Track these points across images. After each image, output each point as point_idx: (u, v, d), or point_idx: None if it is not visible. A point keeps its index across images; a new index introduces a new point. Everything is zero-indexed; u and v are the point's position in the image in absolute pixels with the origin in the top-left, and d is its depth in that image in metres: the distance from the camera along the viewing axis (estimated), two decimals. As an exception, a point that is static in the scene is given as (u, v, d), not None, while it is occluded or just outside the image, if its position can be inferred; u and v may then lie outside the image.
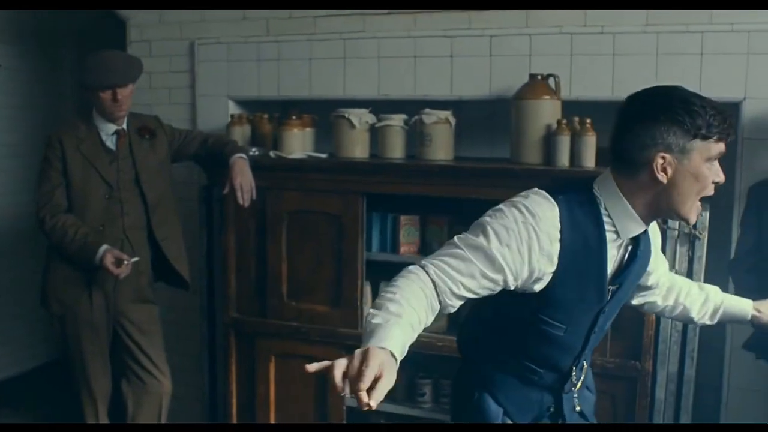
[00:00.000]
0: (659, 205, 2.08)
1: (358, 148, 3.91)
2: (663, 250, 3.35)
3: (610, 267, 2.18)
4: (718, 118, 1.99)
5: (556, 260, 2.05)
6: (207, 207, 4.26)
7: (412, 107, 3.90)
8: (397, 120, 3.89)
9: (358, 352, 1.68)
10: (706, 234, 3.41)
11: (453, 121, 3.81)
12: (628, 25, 3.68)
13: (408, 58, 4.07)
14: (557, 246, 2.04)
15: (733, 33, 3.53)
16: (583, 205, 2.11)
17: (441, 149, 3.79)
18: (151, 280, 3.97)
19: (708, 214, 3.43)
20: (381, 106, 4.00)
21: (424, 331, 3.81)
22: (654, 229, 2.38)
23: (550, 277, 2.07)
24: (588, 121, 3.52)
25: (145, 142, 3.83)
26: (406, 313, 1.83)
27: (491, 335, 2.37)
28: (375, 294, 3.97)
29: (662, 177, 2.01)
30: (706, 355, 3.61)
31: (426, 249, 3.85)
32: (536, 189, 2.13)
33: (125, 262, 3.57)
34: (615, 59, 3.72)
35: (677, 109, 1.98)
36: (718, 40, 3.56)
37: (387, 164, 3.82)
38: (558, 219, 2.04)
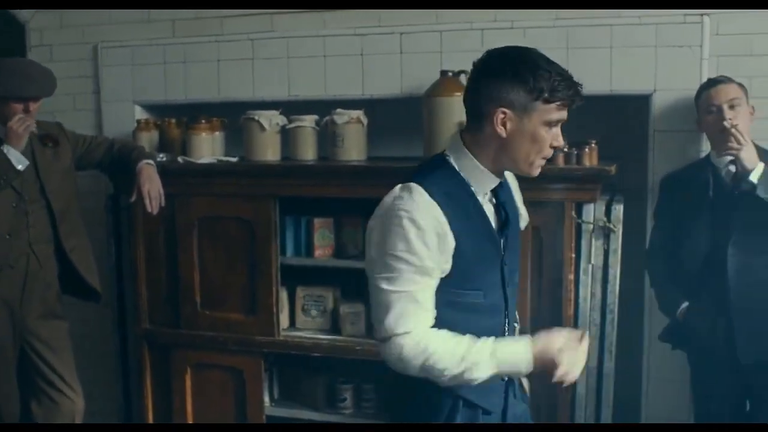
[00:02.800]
0: (501, 159, 2.16)
1: (270, 151, 3.82)
2: (578, 244, 3.38)
3: (493, 222, 2.25)
4: (563, 84, 2.07)
5: (453, 241, 2.11)
6: (114, 216, 4.18)
7: (323, 108, 3.83)
8: (308, 121, 3.81)
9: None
10: (620, 227, 3.44)
11: (365, 120, 3.75)
12: (538, 19, 3.67)
13: (318, 57, 4.01)
14: (450, 232, 2.10)
15: (641, 26, 3.56)
16: (449, 177, 2.18)
17: (354, 149, 3.72)
18: (59, 294, 3.82)
19: (622, 206, 3.45)
20: (291, 107, 3.92)
21: (342, 335, 3.75)
22: (509, 174, 2.34)
23: (451, 255, 2.13)
24: (501, 116, 3.50)
25: (49, 150, 3.69)
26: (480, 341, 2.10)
27: None
28: (291, 299, 3.91)
29: (501, 131, 2.09)
30: (624, 346, 3.63)
31: (341, 251, 3.79)
32: (409, 186, 2.13)
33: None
34: (526, 54, 3.70)
35: (525, 68, 2.06)
36: (626, 33, 3.59)
37: (299, 166, 3.76)
38: (441, 213, 2.09)
